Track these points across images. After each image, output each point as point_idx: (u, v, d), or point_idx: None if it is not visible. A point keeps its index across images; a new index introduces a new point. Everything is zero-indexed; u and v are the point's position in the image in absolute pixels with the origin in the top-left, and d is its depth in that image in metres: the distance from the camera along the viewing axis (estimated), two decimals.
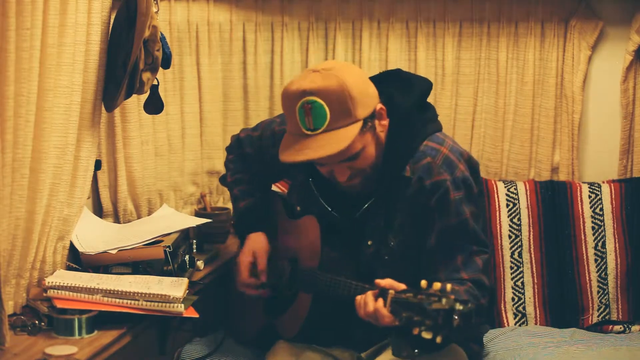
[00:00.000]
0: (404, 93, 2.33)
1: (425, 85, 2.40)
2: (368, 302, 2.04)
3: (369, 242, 2.33)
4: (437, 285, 1.90)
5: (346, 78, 2.18)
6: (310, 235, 2.41)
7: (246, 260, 2.52)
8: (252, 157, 2.67)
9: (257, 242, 2.55)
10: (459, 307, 1.85)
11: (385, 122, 2.29)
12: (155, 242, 2.52)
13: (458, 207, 2.26)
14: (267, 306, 2.56)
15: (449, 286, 1.89)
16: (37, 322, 2.17)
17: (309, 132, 2.18)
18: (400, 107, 2.31)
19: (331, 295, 2.28)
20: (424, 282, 1.93)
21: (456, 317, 1.84)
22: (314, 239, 2.39)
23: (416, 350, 2.14)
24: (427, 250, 2.28)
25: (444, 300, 1.86)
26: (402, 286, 2.01)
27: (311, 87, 2.17)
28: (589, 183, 2.95)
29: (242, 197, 2.66)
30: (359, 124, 2.19)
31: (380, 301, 2.01)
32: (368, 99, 2.23)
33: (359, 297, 2.09)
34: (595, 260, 2.86)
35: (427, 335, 1.87)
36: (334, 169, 2.25)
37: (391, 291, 1.99)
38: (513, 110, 3.12)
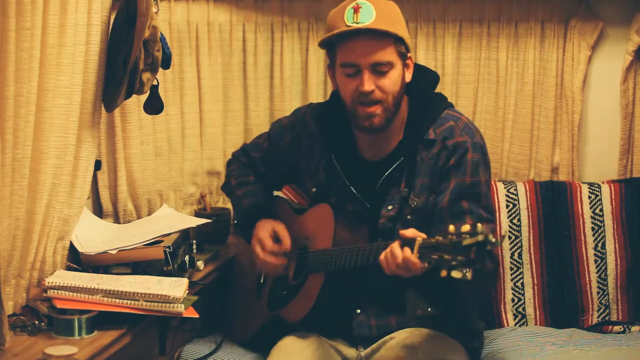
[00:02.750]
0: (420, 76, 2.47)
1: (436, 76, 2.55)
2: (396, 253, 2.05)
3: (389, 207, 2.37)
4: (466, 227, 1.91)
5: (396, 5, 2.40)
6: (323, 221, 2.43)
7: (266, 233, 2.53)
8: (259, 160, 2.72)
9: (269, 222, 2.56)
10: (492, 238, 1.85)
11: (410, 74, 2.42)
12: (155, 243, 2.52)
13: (474, 168, 2.35)
14: (271, 300, 2.56)
15: (479, 225, 1.89)
16: (37, 322, 2.17)
17: (353, 25, 2.31)
18: (418, 86, 2.46)
19: (349, 266, 2.27)
20: (452, 227, 1.94)
21: (489, 247, 1.85)
22: (328, 223, 2.41)
23: (430, 309, 2.15)
24: (439, 209, 2.33)
25: (478, 231, 1.86)
26: (426, 236, 2.02)
27: None
28: (589, 183, 2.95)
29: (246, 196, 2.68)
30: (398, 36, 2.33)
31: (407, 250, 2.03)
32: (406, 31, 2.40)
33: (382, 254, 2.10)
34: (595, 261, 2.86)
35: (456, 274, 1.88)
36: (363, 78, 2.32)
37: (418, 238, 2.01)
38: (513, 110, 3.12)
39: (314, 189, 2.55)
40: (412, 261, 2.02)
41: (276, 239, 2.53)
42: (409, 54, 2.40)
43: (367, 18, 2.30)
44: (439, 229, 2.01)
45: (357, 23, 2.31)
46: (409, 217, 2.36)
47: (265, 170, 2.71)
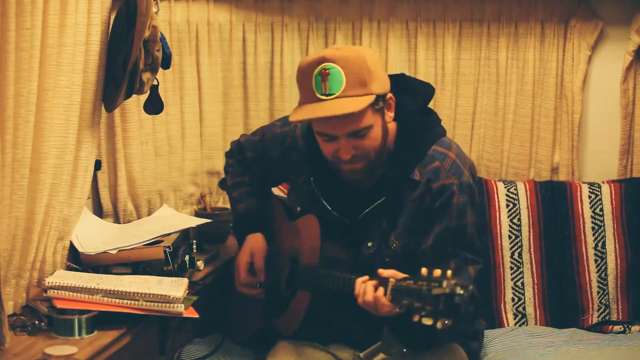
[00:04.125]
0: (409, 98, 2.37)
1: (429, 91, 2.43)
2: (367, 291, 2.06)
3: (369, 244, 2.34)
4: (437, 272, 1.91)
5: (365, 53, 2.23)
6: (310, 234, 2.41)
7: (244, 260, 2.53)
8: (252, 161, 2.68)
9: (255, 242, 2.56)
10: (459, 291, 1.85)
11: (392, 114, 2.31)
12: (155, 242, 2.52)
13: (460, 211, 2.27)
14: (265, 308, 2.56)
15: (449, 272, 1.89)
16: (37, 322, 2.17)
17: (323, 97, 2.20)
18: (408, 112, 2.34)
19: (330, 289, 2.28)
20: (424, 270, 1.94)
21: (457, 301, 1.85)
22: (314, 237, 2.39)
23: (405, 349, 2.16)
24: (421, 251, 2.28)
25: (444, 283, 1.87)
26: (404, 276, 2.02)
27: (331, 54, 2.20)
28: (589, 183, 2.95)
29: (241, 199, 2.66)
30: (372, 97, 2.20)
31: (381, 290, 2.03)
32: (382, 78, 2.26)
33: (358, 285, 2.10)
34: (595, 261, 2.86)
35: (427, 321, 1.88)
36: (340, 145, 2.24)
37: (392, 280, 2.01)
38: (513, 110, 3.12)
39: (298, 208, 2.51)
40: (381, 302, 2.02)
41: (252, 270, 2.53)
42: (388, 96, 2.27)
43: (337, 87, 2.18)
44: (415, 272, 1.99)
45: (327, 95, 2.18)
46: (387, 259, 2.30)
47: (258, 171, 2.68)
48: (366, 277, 2.11)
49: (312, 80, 2.21)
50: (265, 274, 2.52)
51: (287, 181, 2.66)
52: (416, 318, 1.90)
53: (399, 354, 2.22)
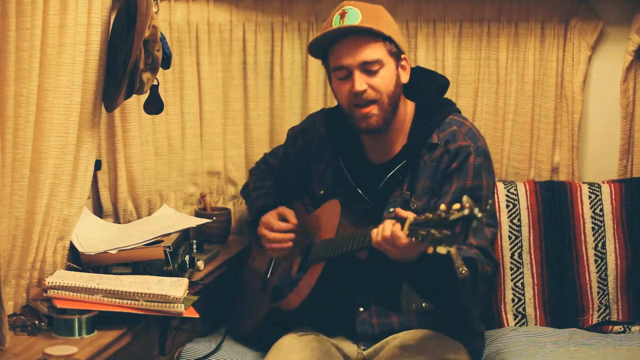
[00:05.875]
0: (427, 82, 2.51)
1: (445, 81, 2.58)
2: (385, 227, 2.10)
3: (391, 210, 2.37)
4: (456, 205, 1.91)
5: (384, 10, 2.45)
6: (330, 215, 2.46)
7: (273, 216, 2.60)
8: (276, 167, 2.79)
9: (274, 210, 2.62)
10: (478, 213, 1.85)
11: (407, 75, 2.45)
12: (155, 242, 2.52)
13: (477, 171, 2.37)
14: (275, 292, 2.57)
15: (465, 198, 1.89)
16: (37, 322, 2.17)
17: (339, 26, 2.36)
18: (425, 93, 2.48)
19: (345, 250, 2.29)
20: (443, 205, 1.95)
21: (475, 222, 1.84)
22: (334, 217, 2.44)
23: (424, 304, 2.17)
24: None
25: (465, 203, 1.86)
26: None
27: (352, 2, 2.42)
28: (589, 183, 2.95)
29: (260, 198, 2.72)
30: (386, 34, 2.37)
31: (397, 225, 2.07)
32: (398, 32, 2.45)
33: (374, 229, 2.14)
34: (595, 261, 2.86)
35: (441, 250, 1.90)
36: (354, 79, 2.35)
37: (410, 216, 2.03)
38: (513, 110, 3.11)
39: (321, 192, 2.57)
40: (397, 235, 2.05)
41: (283, 219, 2.59)
42: (403, 55, 2.43)
43: (353, 20, 2.35)
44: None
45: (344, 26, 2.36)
46: None
47: (282, 175, 2.76)
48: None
49: (332, 20, 2.38)
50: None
51: (308, 176, 2.67)
52: (430, 250, 1.92)
53: (418, 308, 2.23)
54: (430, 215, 1.95)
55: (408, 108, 2.47)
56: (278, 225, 2.58)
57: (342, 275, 2.38)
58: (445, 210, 1.93)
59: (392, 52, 2.39)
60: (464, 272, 1.88)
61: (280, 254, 2.61)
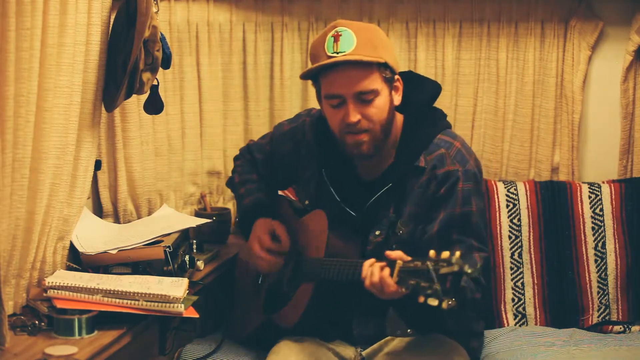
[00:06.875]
0: (417, 92, 2.42)
1: (436, 88, 2.48)
2: (374, 272, 2.07)
3: (377, 232, 2.35)
4: (445, 254, 1.90)
5: (378, 28, 2.37)
6: (318, 228, 2.41)
7: (265, 231, 2.51)
8: (261, 163, 2.70)
9: (268, 221, 2.54)
10: (468, 269, 1.84)
11: (400, 97, 2.37)
12: (155, 242, 2.52)
13: (465, 198, 2.30)
14: (266, 304, 2.56)
15: (457, 253, 1.89)
16: (37, 322, 2.17)
17: (334, 55, 2.27)
18: (414, 105, 2.39)
19: (337, 277, 2.27)
20: (432, 252, 1.93)
21: (464, 281, 1.84)
22: (321, 232, 2.40)
23: (409, 330, 2.16)
24: (427, 238, 2.29)
25: (453, 259, 1.86)
26: (412, 258, 2.02)
27: (345, 22, 2.32)
28: (589, 183, 2.95)
29: (248, 194, 2.67)
30: (382, 61, 2.27)
31: (387, 270, 2.04)
32: (392, 53, 2.35)
33: (366, 268, 2.11)
34: (595, 261, 2.86)
35: (433, 302, 1.87)
36: (348, 109, 2.27)
37: (399, 261, 2.01)
38: (513, 110, 3.12)
39: (306, 201, 2.53)
40: (387, 282, 2.02)
41: (274, 237, 2.52)
42: (396, 77, 2.35)
43: (348, 46, 2.26)
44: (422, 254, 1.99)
45: (338, 53, 2.26)
46: (394, 246, 2.29)
47: (267, 173, 2.70)
48: (373, 260, 2.12)
49: (324, 43, 2.28)
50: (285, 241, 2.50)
51: (295, 179, 2.65)
52: (422, 299, 1.90)
53: (403, 335, 2.22)
54: (420, 264, 1.93)
55: (397, 122, 2.39)
56: (269, 245, 2.50)
57: (334, 289, 2.33)
58: (434, 258, 1.90)
59: (387, 78, 2.30)
60: (450, 303, 1.87)
61: (265, 272, 2.57)
